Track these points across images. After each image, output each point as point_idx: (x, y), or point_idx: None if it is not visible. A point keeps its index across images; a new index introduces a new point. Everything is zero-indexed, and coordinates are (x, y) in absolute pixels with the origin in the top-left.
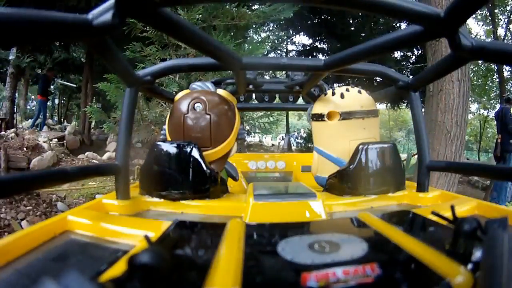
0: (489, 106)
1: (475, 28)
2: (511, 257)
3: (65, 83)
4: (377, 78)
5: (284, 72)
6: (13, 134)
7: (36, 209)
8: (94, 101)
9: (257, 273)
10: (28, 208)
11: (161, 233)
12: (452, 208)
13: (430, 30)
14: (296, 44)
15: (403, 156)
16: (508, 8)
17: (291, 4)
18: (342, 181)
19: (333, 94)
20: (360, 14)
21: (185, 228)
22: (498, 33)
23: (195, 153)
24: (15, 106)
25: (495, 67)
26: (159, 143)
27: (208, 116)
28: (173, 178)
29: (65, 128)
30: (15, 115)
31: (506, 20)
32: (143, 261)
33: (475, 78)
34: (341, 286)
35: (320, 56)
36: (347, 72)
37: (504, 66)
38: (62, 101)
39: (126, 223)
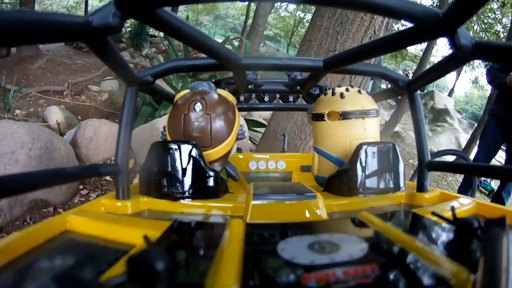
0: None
1: None
2: (510, 256)
3: None
4: None
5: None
6: None
7: None
8: None
9: (257, 273)
10: None
11: (161, 233)
12: (452, 208)
13: (430, 30)
14: None
15: None
16: None
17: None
18: (342, 181)
19: (333, 94)
20: None
21: (185, 228)
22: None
23: (195, 152)
24: None
25: None
26: (159, 142)
27: (208, 116)
28: (173, 178)
29: None
30: None
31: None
32: (142, 262)
33: None
34: (341, 286)
35: None
36: (347, 72)
37: None
38: None
39: (126, 223)
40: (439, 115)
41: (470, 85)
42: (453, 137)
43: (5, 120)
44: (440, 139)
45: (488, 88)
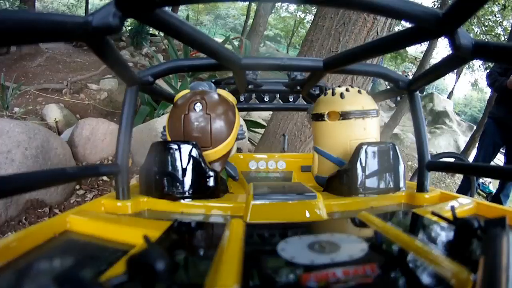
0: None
1: None
2: (510, 256)
3: None
4: None
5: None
6: None
7: None
8: None
9: (257, 274)
10: None
11: (161, 233)
12: (452, 208)
13: (430, 30)
14: None
15: None
16: None
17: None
18: (342, 181)
19: (333, 94)
20: None
21: (185, 228)
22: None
23: (195, 152)
24: None
25: None
26: (159, 142)
27: (208, 116)
28: (173, 178)
29: None
30: None
31: None
32: (143, 261)
33: None
34: (341, 286)
35: None
36: (347, 72)
37: None
38: None
39: (126, 223)
40: (438, 117)
41: (469, 87)
42: (451, 140)
43: (1, 118)
44: (439, 141)
45: (488, 91)
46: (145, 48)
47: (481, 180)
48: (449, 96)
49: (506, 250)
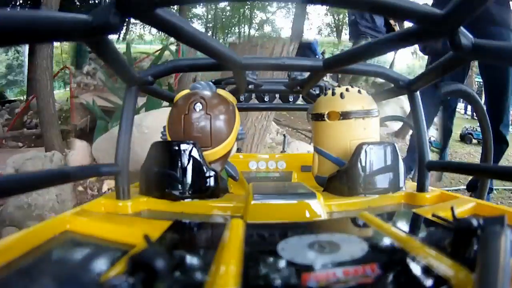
0: None
1: None
2: (507, 255)
3: None
4: None
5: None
6: None
7: None
8: None
9: (257, 274)
10: None
11: (161, 233)
12: (452, 209)
13: (430, 30)
14: None
15: None
16: None
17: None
18: (342, 181)
19: (333, 94)
20: None
21: (185, 228)
22: None
23: (195, 153)
24: None
25: None
26: (159, 142)
27: (208, 116)
28: (173, 178)
29: None
30: None
31: None
32: (143, 261)
33: None
34: (341, 286)
35: None
36: (347, 72)
37: None
38: None
39: (126, 223)
40: (382, 89)
41: (411, 57)
42: (397, 107)
43: None
44: (385, 110)
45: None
46: (85, 67)
47: (432, 139)
48: (391, 66)
49: (504, 247)
